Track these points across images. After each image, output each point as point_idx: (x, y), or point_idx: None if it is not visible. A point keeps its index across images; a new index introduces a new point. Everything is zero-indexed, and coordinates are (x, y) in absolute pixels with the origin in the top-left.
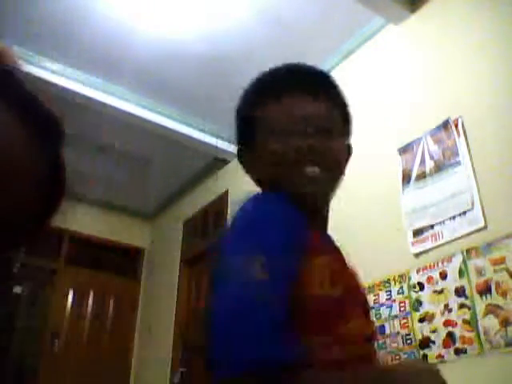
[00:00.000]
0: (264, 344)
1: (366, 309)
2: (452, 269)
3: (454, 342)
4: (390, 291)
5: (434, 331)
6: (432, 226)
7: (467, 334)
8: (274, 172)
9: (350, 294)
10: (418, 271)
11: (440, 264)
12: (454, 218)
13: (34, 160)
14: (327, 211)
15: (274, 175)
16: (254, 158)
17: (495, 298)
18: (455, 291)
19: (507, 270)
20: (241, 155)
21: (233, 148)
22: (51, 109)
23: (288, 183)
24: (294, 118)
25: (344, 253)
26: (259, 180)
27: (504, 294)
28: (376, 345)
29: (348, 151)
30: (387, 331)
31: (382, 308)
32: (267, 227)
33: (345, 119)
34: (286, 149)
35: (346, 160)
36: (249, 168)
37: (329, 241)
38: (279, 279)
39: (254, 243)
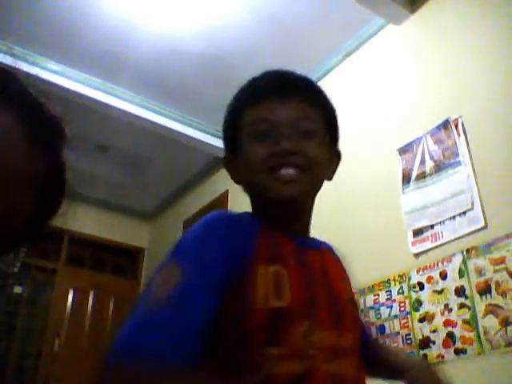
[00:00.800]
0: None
1: (345, 319)
2: (452, 269)
3: (454, 342)
4: (390, 291)
5: (434, 331)
6: (432, 226)
7: (467, 334)
8: (252, 177)
9: (310, 304)
10: (418, 271)
11: (440, 264)
12: (454, 217)
13: (33, 162)
14: (309, 215)
15: (252, 180)
16: (235, 164)
17: (495, 298)
18: (455, 291)
19: (507, 270)
20: (225, 162)
21: None
22: (52, 110)
23: (264, 188)
24: (269, 122)
25: (333, 257)
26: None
27: (504, 294)
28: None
29: (337, 156)
30: (387, 331)
31: (382, 308)
32: (187, 243)
33: (328, 123)
34: (262, 153)
35: (334, 164)
36: (232, 175)
37: (299, 246)
38: (185, 291)
39: (175, 256)
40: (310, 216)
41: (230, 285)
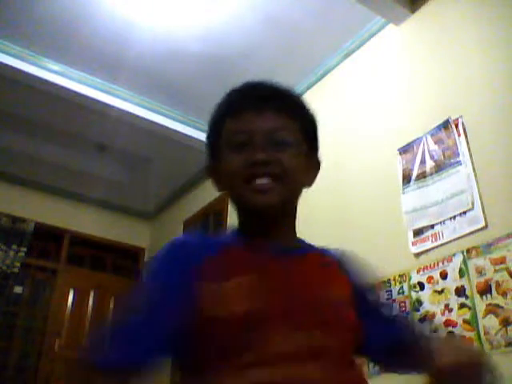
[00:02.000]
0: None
1: (316, 321)
2: (452, 269)
3: None
4: (391, 291)
5: (434, 331)
6: (432, 226)
7: (467, 334)
8: (230, 187)
9: (270, 311)
10: (418, 271)
11: (440, 264)
12: (454, 217)
13: None
14: (289, 222)
15: (230, 190)
16: (217, 173)
17: (496, 298)
18: (455, 291)
19: (507, 270)
20: (208, 171)
21: None
22: None
23: (240, 198)
24: (246, 133)
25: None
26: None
27: (504, 294)
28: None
29: (316, 164)
30: None
31: None
32: (149, 269)
33: (306, 133)
34: (237, 164)
35: (312, 172)
36: (215, 183)
37: (264, 254)
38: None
39: (140, 284)
40: (292, 223)
41: (190, 302)
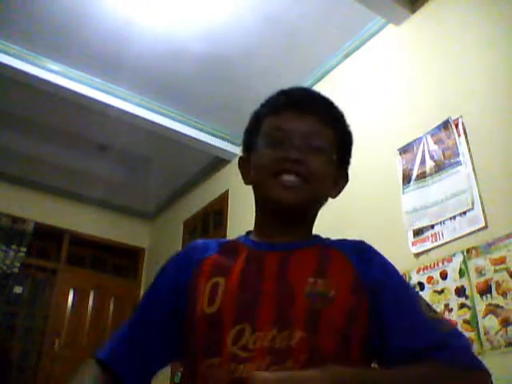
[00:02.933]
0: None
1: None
2: (452, 269)
3: None
4: None
5: None
6: (432, 226)
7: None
8: (258, 179)
9: (239, 310)
10: (418, 271)
11: (440, 264)
12: (454, 217)
13: None
14: (306, 226)
15: (258, 182)
16: (248, 165)
17: (495, 298)
18: (455, 291)
19: (507, 270)
20: (240, 162)
21: (233, 148)
22: None
23: (266, 190)
24: (284, 132)
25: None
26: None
27: (504, 294)
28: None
29: (345, 177)
30: None
31: None
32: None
33: (339, 145)
34: (270, 158)
35: (339, 184)
36: (243, 175)
37: (256, 253)
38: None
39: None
40: (306, 229)
41: (181, 300)
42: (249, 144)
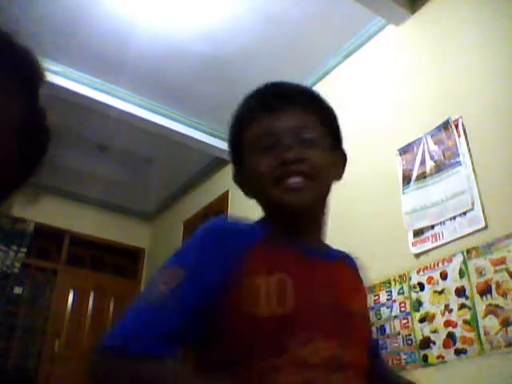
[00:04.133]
0: (116, 333)
1: (351, 333)
2: (452, 269)
3: (455, 343)
4: (391, 291)
5: (434, 331)
6: (432, 227)
7: (467, 335)
8: (260, 190)
9: (314, 313)
10: (418, 271)
11: (440, 264)
12: (454, 218)
13: (4, 110)
14: (320, 220)
15: (261, 193)
16: (244, 178)
17: (495, 299)
18: (455, 291)
19: (507, 271)
20: (234, 178)
21: None
22: (28, 50)
23: (273, 199)
24: (270, 136)
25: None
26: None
27: (504, 295)
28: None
29: (342, 156)
30: (388, 331)
31: (382, 308)
32: (186, 249)
33: (327, 126)
34: (266, 165)
35: (340, 165)
36: (243, 188)
37: (305, 255)
38: (177, 291)
39: (173, 260)
40: (322, 222)
41: (228, 293)
42: (237, 158)
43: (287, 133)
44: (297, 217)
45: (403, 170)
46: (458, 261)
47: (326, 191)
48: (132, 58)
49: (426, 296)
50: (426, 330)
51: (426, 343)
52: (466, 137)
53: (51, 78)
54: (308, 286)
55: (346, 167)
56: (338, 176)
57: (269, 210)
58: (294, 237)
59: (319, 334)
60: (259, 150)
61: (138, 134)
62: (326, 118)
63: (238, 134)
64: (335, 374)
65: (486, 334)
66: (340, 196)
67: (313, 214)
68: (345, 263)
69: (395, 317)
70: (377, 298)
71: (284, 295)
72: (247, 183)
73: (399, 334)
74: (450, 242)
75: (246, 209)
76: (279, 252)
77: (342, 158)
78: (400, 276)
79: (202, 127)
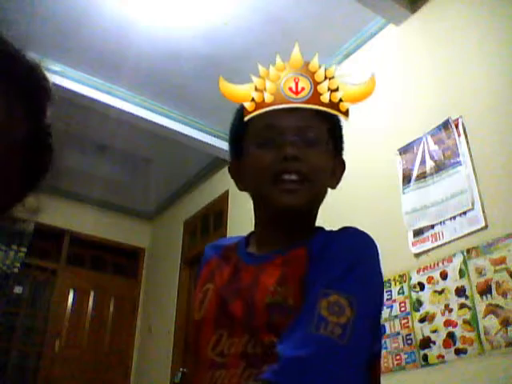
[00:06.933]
0: None
1: (253, 329)
2: (452, 269)
3: (455, 343)
4: (391, 291)
5: (434, 331)
6: (432, 226)
7: (468, 334)
8: (256, 185)
9: (219, 318)
10: (418, 271)
11: (440, 264)
12: (454, 218)
13: (13, 128)
14: (306, 223)
15: (256, 188)
16: (240, 171)
17: (496, 298)
18: (456, 291)
19: (507, 270)
20: (230, 169)
21: None
22: (34, 64)
23: (266, 197)
24: (275, 130)
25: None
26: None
27: (504, 294)
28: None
29: (341, 165)
30: (388, 331)
31: None
32: None
33: (332, 133)
34: (266, 160)
35: (337, 173)
36: (237, 182)
37: (239, 263)
38: None
39: None
40: (306, 226)
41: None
42: (237, 149)
43: (292, 130)
44: (285, 217)
45: (403, 170)
46: (458, 261)
47: (320, 196)
48: (132, 57)
49: (425, 296)
50: (425, 329)
51: (426, 343)
52: (466, 136)
53: (51, 77)
54: (225, 291)
55: (347, 166)
56: (335, 183)
57: (261, 205)
58: (268, 242)
59: (228, 333)
60: (260, 143)
61: (137, 134)
62: (332, 123)
63: (242, 125)
64: (231, 370)
65: (485, 333)
66: (340, 196)
67: (302, 219)
68: (283, 256)
69: (395, 317)
70: None
71: (203, 302)
72: (244, 178)
73: (399, 333)
74: (450, 242)
75: (246, 209)
76: (219, 265)
77: (340, 166)
78: (400, 276)
79: (201, 127)
